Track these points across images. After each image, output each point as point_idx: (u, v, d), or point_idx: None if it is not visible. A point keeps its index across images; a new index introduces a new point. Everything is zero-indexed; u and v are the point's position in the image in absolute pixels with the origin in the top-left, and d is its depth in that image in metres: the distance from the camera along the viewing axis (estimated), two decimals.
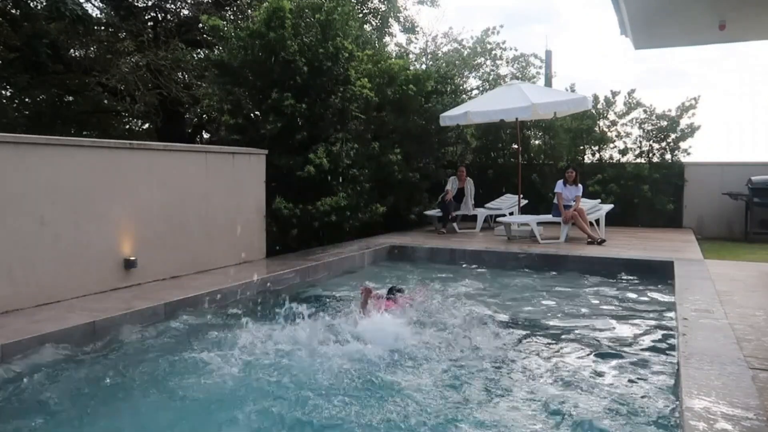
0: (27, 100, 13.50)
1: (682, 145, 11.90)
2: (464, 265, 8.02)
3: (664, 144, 12.02)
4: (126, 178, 5.76)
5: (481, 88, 14.59)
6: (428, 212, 11.10)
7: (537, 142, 13.36)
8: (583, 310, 5.60)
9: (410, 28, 15.46)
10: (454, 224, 10.72)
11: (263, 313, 5.13)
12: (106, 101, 14.16)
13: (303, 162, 8.35)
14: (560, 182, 9.52)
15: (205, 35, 12.48)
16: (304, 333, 4.29)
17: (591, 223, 9.27)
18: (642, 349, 4.32)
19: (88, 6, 11.86)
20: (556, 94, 10.60)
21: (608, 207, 9.78)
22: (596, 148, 12.48)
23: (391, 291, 5.31)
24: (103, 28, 12.65)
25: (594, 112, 12.14)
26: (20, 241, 4.79)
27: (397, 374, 3.77)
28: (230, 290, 5.73)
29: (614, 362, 4.06)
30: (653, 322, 5.10)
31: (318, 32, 8.75)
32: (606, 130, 12.37)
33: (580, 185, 9.45)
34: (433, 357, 4.09)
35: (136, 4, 12.71)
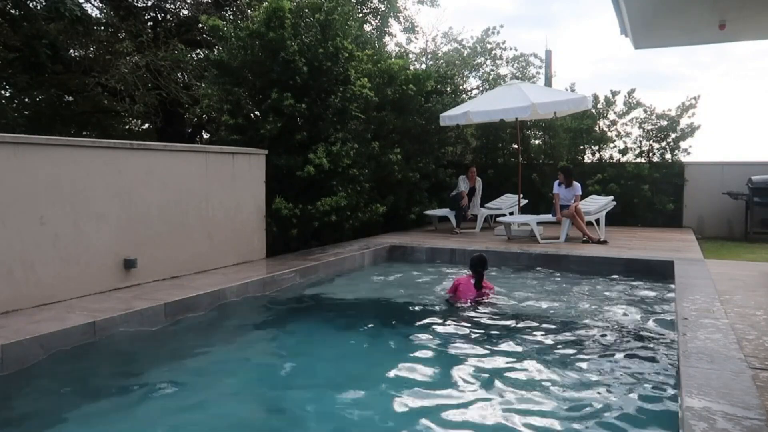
0: (27, 100, 13.48)
1: (682, 144, 11.92)
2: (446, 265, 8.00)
3: (664, 144, 12.03)
4: (126, 178, 5.75)
5: (481, 88, 14.58)
6: (428, 212, 11.10)
7: (537, 141, 13.37)
8: (583, 309, 5.60)
9: (410, 28, 15.44)
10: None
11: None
12: (105, 101, 14.15)
13: (303, 162, 8.34)
14: (556, 183, 9.53)
15: (204, 35, 12.47)
16: None
17: (590, 223, 9.26)
18: (642, 349, 4.32)
19: (87, 6, 11.85)
20: (556, 94, 10.59)
21: (609, 199, 9.77)
22: (596, 147, 12.49)
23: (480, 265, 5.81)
24: (102, 28, 12.64)
25: (594, 111, 12.14)
26: (20, 241, 4.79)
27: None
28: (230, 290, 5.73)
29: (613, 361, 4.06)
30: (653, 322, 5.10)
31: (318, 32, 8.75)
32: (606, 129, 12.38)
33: (577, 185, 9.43)
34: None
35: (135, 4, 12.69)
